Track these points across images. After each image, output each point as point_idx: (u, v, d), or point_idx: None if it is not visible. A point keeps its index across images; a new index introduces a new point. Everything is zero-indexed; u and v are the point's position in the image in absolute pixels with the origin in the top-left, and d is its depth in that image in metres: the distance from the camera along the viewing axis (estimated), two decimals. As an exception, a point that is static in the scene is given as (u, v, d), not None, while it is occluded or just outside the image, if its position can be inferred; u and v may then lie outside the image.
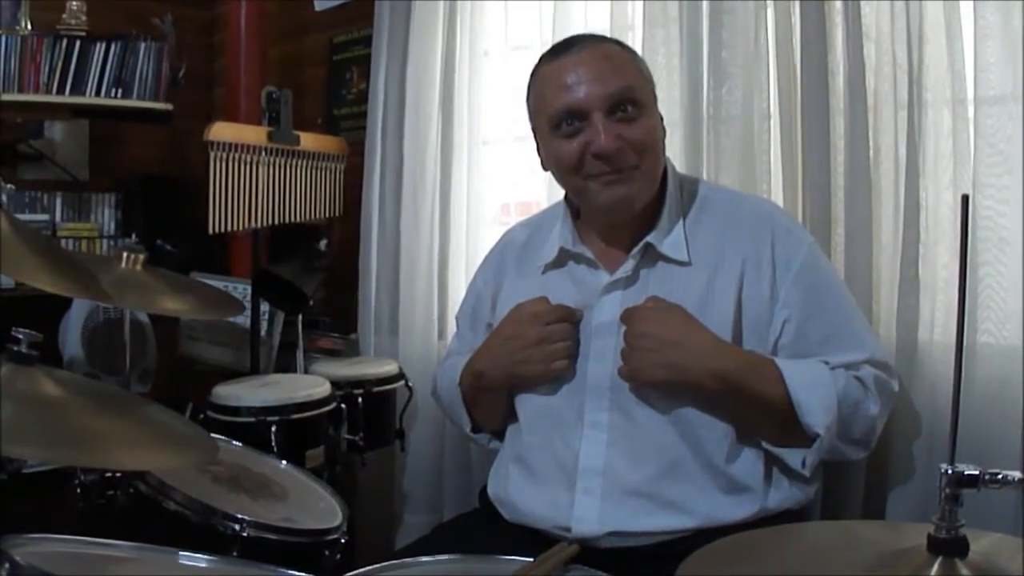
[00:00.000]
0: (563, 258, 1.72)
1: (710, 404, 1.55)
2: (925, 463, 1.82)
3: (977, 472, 0.88)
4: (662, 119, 1.66)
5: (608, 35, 2.26)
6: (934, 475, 0.91)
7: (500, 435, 1.84)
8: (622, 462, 1.58)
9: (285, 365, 2.95)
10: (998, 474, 0.88)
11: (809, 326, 1.57)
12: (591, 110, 1.54)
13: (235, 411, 2.19)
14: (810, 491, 1.63)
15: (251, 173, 2.67)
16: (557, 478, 1.62)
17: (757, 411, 1.54)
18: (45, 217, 3.54)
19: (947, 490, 0.88)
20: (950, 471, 0.88)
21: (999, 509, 1.54)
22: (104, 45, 3.27)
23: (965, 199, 0.93)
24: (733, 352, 1.55)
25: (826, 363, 1.56)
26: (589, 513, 1.57)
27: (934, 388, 1.81)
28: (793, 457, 1.55)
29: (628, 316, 1.57)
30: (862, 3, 1.88)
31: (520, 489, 1.69)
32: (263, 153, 2.71)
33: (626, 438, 1.58)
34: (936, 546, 0.88)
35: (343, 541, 1.68)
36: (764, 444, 1.57)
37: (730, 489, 1.56)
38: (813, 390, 1.51)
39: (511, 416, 1.77)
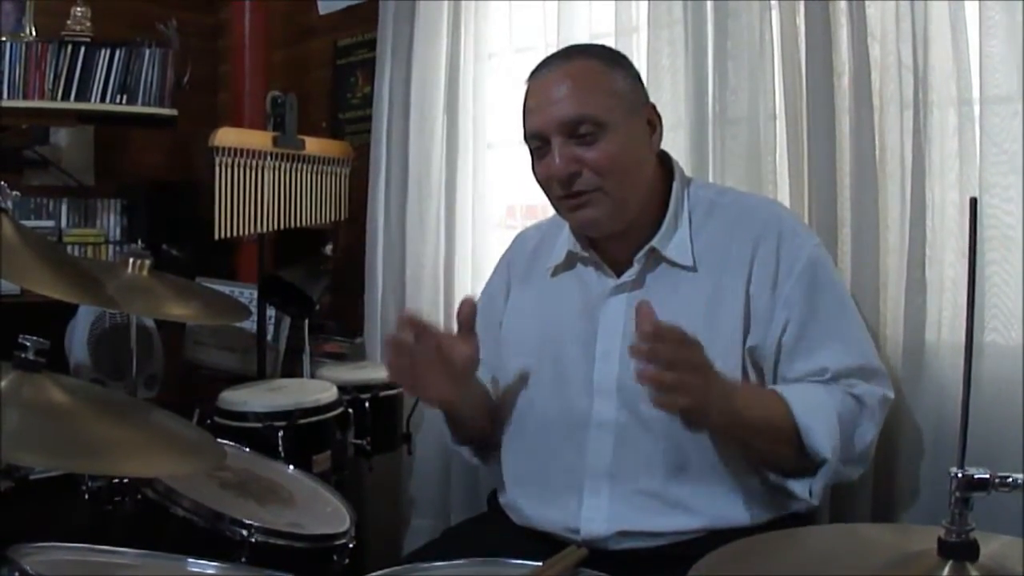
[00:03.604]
0: (571, 260, 1.73)
1: (723, 440, 1.54)
2: (933, 464, 1.81)
3: (987, 475, 0.87)
4: (659, 122, 1.65)
5: (612, 37, 2.27)
6: (942, 476, 0.90)
7: (483, 452, 1.85)
8: (630, 462, 1.58)
9: (291, 370, 2.95)
10: (1008, 477, 0.87)
11: (809, 326, 1.57)
12: (549, 134, 1.57)
13: (242, 416, 2.20)
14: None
15: (256, 178, 2.68)
16: (565, 480, 1.63)
17: (767, 440, 1.53)
18: (51, 223, 3.53)
19: (957, 494, 0.87)
20: (960, 475, 0.87)
21: (1009, 511, 1.53)
22: (109, 51, 3.27)
23: (973, 202, 0.92)
24: (739, 385, 1.55)
25: (824, 370, 1.56)
26: (597, 514, 1.58)
27: (941, 389, 1.80)
28: (799, 487, 1.54)
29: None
30: (867, 3, 1.88)
31: (528, 493, 1.69)
32: (268, 158, 2.72)
33: (634, 438, 1.58)
34: (947, 550, 0.88)
35: (351, 546, 1.68)
36: (771, 478, 1.57)
37: (736, 491, 1.56)
38: (816, 414, 1.51)
39: (491, 428, 1.78)
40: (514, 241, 1.95)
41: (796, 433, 1.50)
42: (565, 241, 1.73)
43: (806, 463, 1.52)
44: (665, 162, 1.70)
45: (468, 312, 1.59)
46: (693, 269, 1.61)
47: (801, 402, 1.51)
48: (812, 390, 1.55)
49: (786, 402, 1.51)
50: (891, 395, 1.63)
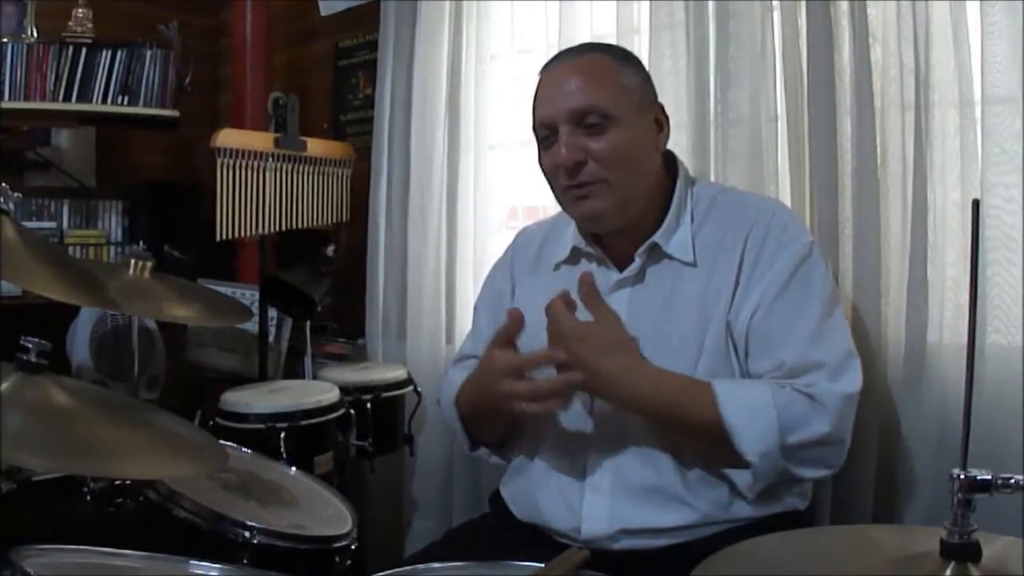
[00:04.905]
0: (575, 256, 1.76)
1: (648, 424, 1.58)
2: (935, 464, 1.81)
3: (989, 477, 0.87)
4: (666, 122, 1.68)
5: (614, 38, 2.27)
6: (944, 476, 0.90)
7: (501, 450, 1.85)
8: (631, 457, 1.60)
9: (293, 371, 2.95)
10: (1010, 479, 0.87)
11: (772, 316, 1.56)
12: (557, 124, 1.60)
13: (244, 418, 2.20)
14: (803, 497, 1.65)
15: (258, 179, 2.68)
16: (567, 476, 1.64)
17: (689, 435, 1.55)
18: (52, 224, 3.53)
19: (959, 495, 0.87)
20: (962, 476, 0.87)
21: (1011, 511, 1.53)
22: (110, 52, 3.26)
23: (976, 204, 0.92)
24: (659, 378, 1.56)
25: (781, 364, 1.54)
26: (599, 512, 1.59)
27: (943, 390, 1.80)
28: (741, 479, 1.53)
29: (569, 331, 1.56)
30: (868, 5, 1.88)
31: (531, 487, 1.70)
32: (270, 159, 2.71)
33: (635, 432, 1.59)
34: (949, 551, 0.88)
35: (353, 547, 1.68)
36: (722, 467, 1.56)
37: (727, 487, 1.56)
38: (749, 415, 1.49)
39: (511, 429, 1.78)
40: (517, 237, 1.97)
41: (724, 430, 1.49)
42: (570, 238, 1.76)
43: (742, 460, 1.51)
44: (671, 162, 1.72)
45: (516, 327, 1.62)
46: (693, 264, 1.63)
47: (736, 400, 1.50)
48: (756, 389, 1.53)
49: (717, 400, 1.50)
50: (851, 390, 1.54)
